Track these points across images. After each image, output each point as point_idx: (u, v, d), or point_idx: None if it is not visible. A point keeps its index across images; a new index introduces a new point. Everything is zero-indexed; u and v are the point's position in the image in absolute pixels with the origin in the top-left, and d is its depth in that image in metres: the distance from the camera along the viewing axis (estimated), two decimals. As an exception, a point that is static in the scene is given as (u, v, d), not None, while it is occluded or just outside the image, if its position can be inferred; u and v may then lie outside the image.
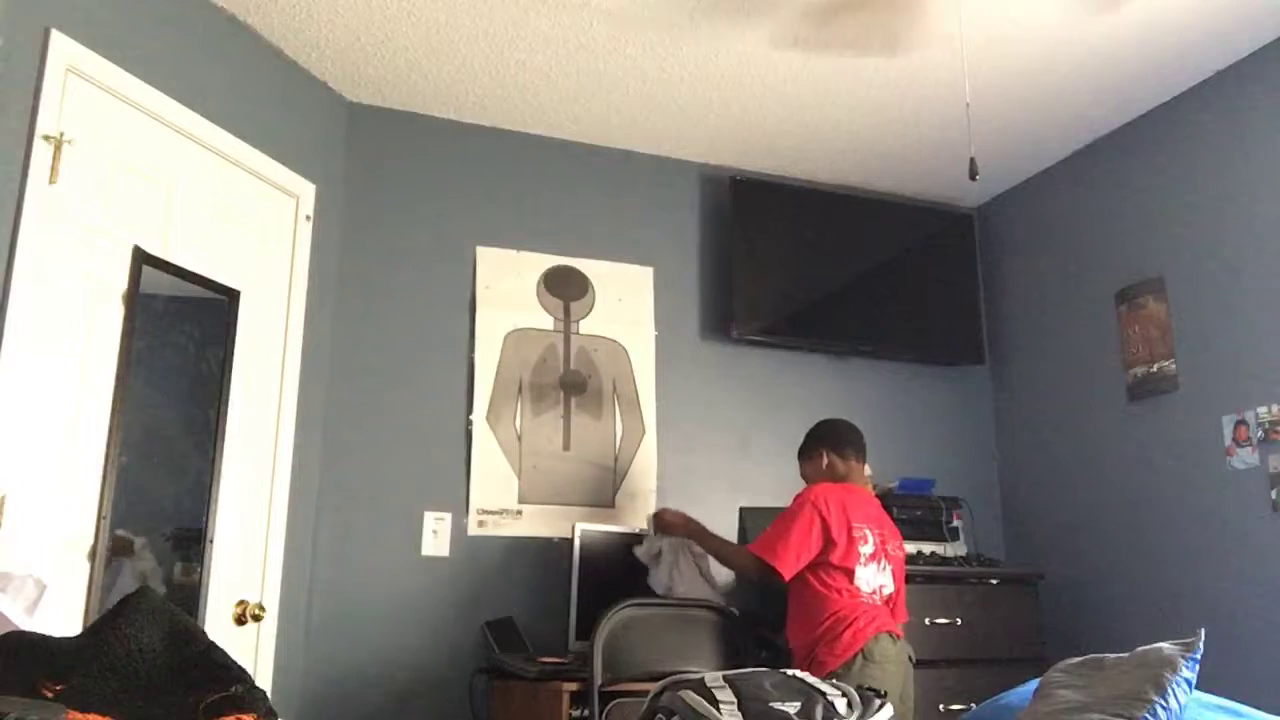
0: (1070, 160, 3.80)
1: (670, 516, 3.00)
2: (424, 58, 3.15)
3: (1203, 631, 1.66)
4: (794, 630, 2.65)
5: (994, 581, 3.34)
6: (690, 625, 2.73)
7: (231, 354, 2.75)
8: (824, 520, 2.61)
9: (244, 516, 2.79)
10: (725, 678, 1.43)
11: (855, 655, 2.51)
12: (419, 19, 2.95)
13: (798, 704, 1.38)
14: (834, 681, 1.49)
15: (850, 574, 2.59)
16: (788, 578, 2.61)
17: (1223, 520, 3.07)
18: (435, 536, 3.20)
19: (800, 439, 3.05)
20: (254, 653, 2.79)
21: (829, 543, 2.60)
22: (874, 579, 2.64)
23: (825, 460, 2.88)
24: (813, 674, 2.21)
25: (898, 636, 2.63)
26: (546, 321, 3.50)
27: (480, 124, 3.57)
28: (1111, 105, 3.43)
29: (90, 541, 2.31)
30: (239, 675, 1.27)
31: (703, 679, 1.42)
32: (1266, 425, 2.96)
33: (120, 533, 2.39)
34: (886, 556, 2.72)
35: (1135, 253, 3.47)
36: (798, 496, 2.74)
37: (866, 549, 2.64)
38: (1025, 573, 3.46)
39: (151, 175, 2.61)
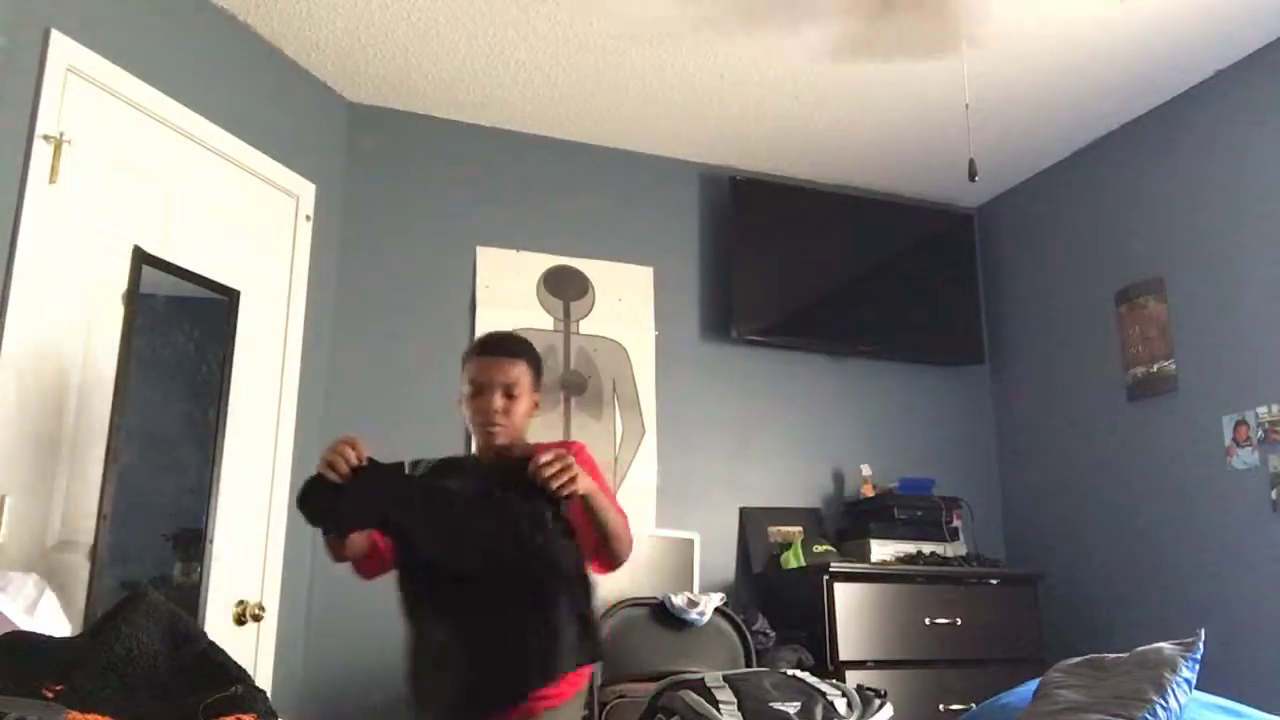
0: (1070, 160, 3.79)
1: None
2: (424, 58, 3.15)
3: (1203, 631, 1.66)
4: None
5: (994, 581, 3.34)
6: (690, 625, 2.73)
7: (231, 354, 2.74)
8: None
9: (244, 516, 2.79)
10: (725, 678, 1.43)
11: None
12: (419, 19, 2.95)
13: (798, 704, 1.39)
14: (834, 682, 1.49)
15: None
16: None
17: (1223, 520, 3.07)
18: (435, 536, 3.19)
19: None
20: (254, 653, 2.79)
21: None
22: None
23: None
24: None
25: None
26: (546, 321, 3.50)
27: (480, 124, 3.56)
28: (1111, 105, 3.43)
29: (90, 541, 2.31)
30: (239, 675, 1.27)
31: (703, 679, 1.42)
32: (1266, 425, 2.95)
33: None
34: None
35: (1135, 253, 3.47)
36: (584, 453, 1.98)
37: None
38: (1025, 573, 3.46)
39: (151, 175, 2.61)
